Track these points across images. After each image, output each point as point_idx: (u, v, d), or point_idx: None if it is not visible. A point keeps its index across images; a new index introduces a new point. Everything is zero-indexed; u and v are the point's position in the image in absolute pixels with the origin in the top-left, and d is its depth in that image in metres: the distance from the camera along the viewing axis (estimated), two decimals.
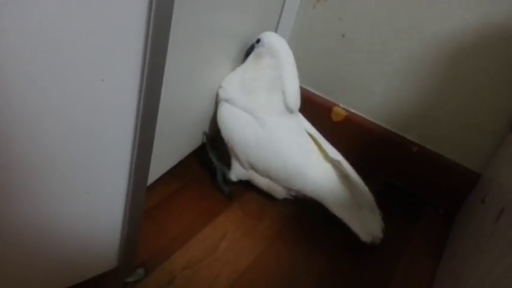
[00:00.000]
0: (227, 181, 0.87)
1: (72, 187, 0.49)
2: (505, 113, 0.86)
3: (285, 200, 0.86)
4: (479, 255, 0.63)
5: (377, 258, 0.82)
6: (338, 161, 0.81)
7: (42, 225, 0.49)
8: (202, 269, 0.71)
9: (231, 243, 0.77)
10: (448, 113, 0.92)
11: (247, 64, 0.85)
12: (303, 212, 0.87)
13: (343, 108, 1.03)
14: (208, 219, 0.80)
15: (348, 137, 1.03)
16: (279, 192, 0.85)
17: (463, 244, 0.77)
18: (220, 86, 0.85)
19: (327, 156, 0.82)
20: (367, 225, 0.81)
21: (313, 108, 1.01)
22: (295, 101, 0.82)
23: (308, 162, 0.81)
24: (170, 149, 0.82)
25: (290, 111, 0.82)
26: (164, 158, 0.82)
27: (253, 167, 0.83)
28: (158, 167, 0.81)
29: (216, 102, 0.86)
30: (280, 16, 0.99)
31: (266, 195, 0.86)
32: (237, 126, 0.82)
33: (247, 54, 0.87)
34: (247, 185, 0.87)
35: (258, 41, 0.83)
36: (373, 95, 0.98)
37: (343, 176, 0.81)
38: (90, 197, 0.52)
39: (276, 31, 1.01)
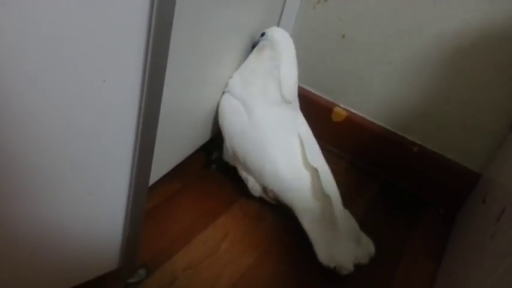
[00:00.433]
0: (216, 161, 0.90)
1: (74, 188, 0.49)
2: (506, 113, 0.86)
3: None
4: (480, 255, 0.63)
5: (377, 258, 0.82)
6: (315, 168, 0.77)
7: (43, 226, 0.49)
8: (204, 270, 0.71)
9: (232, 243, 0.77)
10: (449, 113, 0.92)
11: (251, 57, 0.86)
12: None
13: (344, 109, 1.03)
14: (210, 220, 0.80)
15: (349, 138, 1.03)
16: (255, 189, 0.83)
17: (464, 244, 0.77)
18: (230, 77, 0.87)
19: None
20: (336, 250, 0.74)
21: (314, 109, 1.01)
22: (290, 90, 0.82)
23: (287, 162, 0.78)
24: (171, 149, 0.82)
25: (286, 101, 0.81)
26: (165, 158, 0.82)
27: (236, 156, 0.83)
28: (159, 168, 0.81)
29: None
30: (280, 16, 0.99)
31: (265, 195, 0.86)
32: (228, 114, 0.83)
33: (253, 47, 0.88)
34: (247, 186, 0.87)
35: (263, 34, 0.84)
36: (374, 95, 0.99)
37: (321, 189, 0.76)
38: (92, 198, 0.52)
39: None
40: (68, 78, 0.41)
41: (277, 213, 0.85)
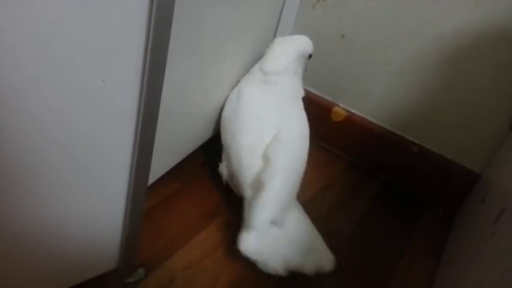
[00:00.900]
0: None
1: (72, 188, 0.49)
2: (505, 113, 0.86)
3: None
4: (479, 255, 0.63)
5: (377, 258, 0.82)
6: (269, 158, 0.72)
7: (42, 226, 0.49)
8: (203, 269, 0.71)
9: (231, 243, 0.77)
10: (448, 113, 0.92)
11: None
12: None
13: (343, 108, 1.03)
14: (209, 220, 0.80)
15: (348, 137, 1.03)
16: (222, 172, 0.81)
17: (463, 244, 0.77)
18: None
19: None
20: (263, 245, 0.69)
21: (313, 109, 1.01)
22: (268, 61, 0.83)
23: (250, 150, 0.75)
24: (171, 149, 0.82)
25: (264, 73, 0.82)
26: (165, 158, 0.81)
27: (224, 146, 0.81)
28: (158, 167, 0.81)
29: None
30: (280, 16, 0.99)
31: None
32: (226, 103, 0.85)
33: None
34: None
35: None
36: (373, 95, 0.99)
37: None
38: (91, 198, 0.52)
39: (276, 31, 1.01)
40: (67, 77, 0.41)
41: None
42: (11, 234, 0.47)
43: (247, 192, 0.73)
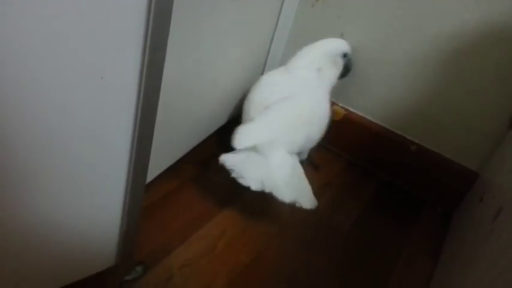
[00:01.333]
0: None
1: (71, 185, 0.49)
2: (504, 112, 0.86)
3: None
4: (477, 254, 0.64)
5: (375, 257, 0.83)
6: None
7: (40, 223, 0.49)
8: (201, 267, 0.71)
9: (230, 241, 0.77)
10: (447, 112, 0.92)
11: None
12: (301, 210, 0.87)
13: (342, 107, 1.03)
14: (207, 217, 0.80)
15: (347, 136, 1.03)
16: None
17: (461, 243, 0.78)
18: None
19: None
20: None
21: None
22: (292, 60, 0.90)
23: (261, 105, 0.82)
24: (170, 146, 0.82)
25: (285, 68, 0.90)
26: (163, 156, 0.82)
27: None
28: (157, 165, 0.81)
29: None
30: (279, 15, 0.99)
31: (265, 194, 0.86)
32: None
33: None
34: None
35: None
36: (372, 94, 0.99)
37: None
38: (89, 195, 0.52)
39: (275, 30, 1.01)
40: (63, 75, 0.41)
41: (275, 211, 0.85)
42: (8, 231, 0.47)
43: None
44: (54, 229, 0.51)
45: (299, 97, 0.83)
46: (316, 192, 0.79)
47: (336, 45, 0.91)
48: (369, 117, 1.01)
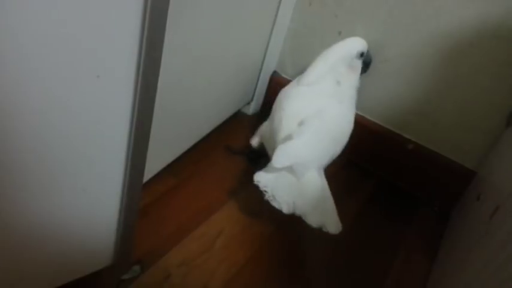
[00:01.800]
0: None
1: (68, 184, 0.49)
2: (501, 111, 0.86)
3: None
4: (473, 252, 0.64)
5: (372, 255, 0.83)
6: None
7: (37, 222, 0.49)
8: (198, 266, 0.71)
9: (227, 240, 0.77)
10: (444, 111, 0.92)
11: None
12: None
13: None
14: (204, 217, 0.80)
15: None
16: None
17: (458, 241, 0.78)
18: None
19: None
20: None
21: None
22: (304, 75, 0.88)
23: (294, 117, 0.82)
24: (167, 145, 0.82)
25: (299, 84, 0.88)
26: (161, 154, 0.81)
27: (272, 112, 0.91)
28: (155, 164, 0.81)
29: None
30: (277, 13, 0.99)
31: (262, 193, 0.86)
32: None
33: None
34: (244, 183, 0.87)
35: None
36: (370, 92, 0.99)
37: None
38: (86, 194, 0.52)
39: (272, 28, 1.01)
40: (60, 74, 0.41)
41: (273, 210, 0.85)
42: (6, 230, 0.47)
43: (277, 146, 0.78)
44: (51, 228, 0.51)
45: (329, 115, 0.82)
46: None
47: (350, 48, 0.88)
48: (366, 116, 1.01)
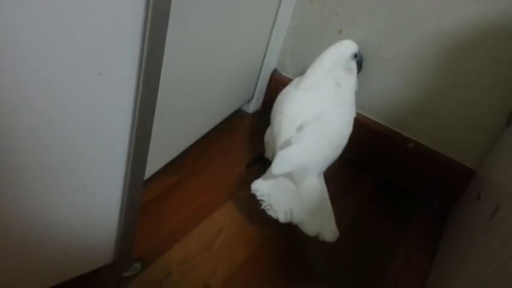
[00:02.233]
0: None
1: (69, 182, 0.49)
2: (501, 110, 0.86)
3: None
4: (473, 251, 0.64)
5: (372, 254, 0.83)
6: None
7: (38, 220, 0.49)
8: (199, 264, 0.71)
9: (227, 238, 0.77)
10: (444, 110, 0.92)
11: None
12: None
13: None
14: (205, 215, 0.80)
15: None
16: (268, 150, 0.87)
17: (458, 240, 0.78)
18: None
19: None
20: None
21: None
22: (302, 81, 0.87)
23: (294, 121, 0.81)
24: (168, 143, 0.82)
25: (297, 89, 0.87)
26: (162, 152, 0.81)
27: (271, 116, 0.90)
28: (156, 161, 0.81)
29: None
30: (277, 11, 0.99)
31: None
32: None
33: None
34: (244, 181, 0.87)
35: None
36: (370, 91, 0.99)
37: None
38: (87, 192, 0.52)
39: (273, 26, 1.01)
40: (62, 71, 0.41)
41: None
42: (6, 228, 0.47)
43: (277, 152, 0.78)
44: (51, 226, 0.51)
45: (328, 119, 0.81)
46: None
47: (343, 51, 0.89)
48: (366, 115, 1.01)
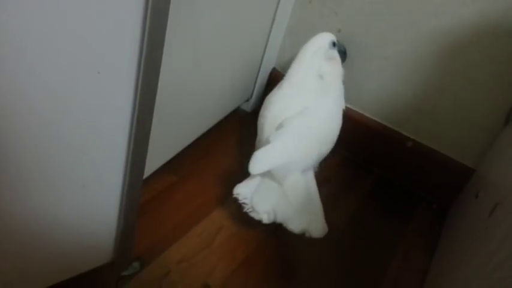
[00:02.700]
0: None
1: (68, 180, 0.49)
2: (500, 108, 0.86)
3: None
4: (472, 250, 0.64)
5: (371, 253, 0.83)
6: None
7: (37, 218, 0.49)
8: (198, 263, 0.71)
9: (226, 237, 0.77)
10: (443, 109, 0.92)
11: None
12: None
13: None
14: (204, 213, 0.80)
15: (343, 132, 1.03)
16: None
17: (456, 239, 0.78)
18: None
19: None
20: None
21: None
22: (290, 75, 0.86)
23: (275, 122, 0.79)
24: (167, 142, 0.82)
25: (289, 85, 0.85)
26: (161, 151, 0.81)
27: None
28: (155, 160, 0.81)
29: None
30: (276, 11, 0.99)
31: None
32: None
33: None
34: (242, 180, 0.87)
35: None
36: (369, 90, 0.99)
37: None
38: (86, 190, 0.52)
39: (272, 26, 1.01)
40: (61, 70, 0.41)
41: None
42: (5, 227, 0.47)
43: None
44: (50, 225, 0.51)
45: (311, 113, 0.79)
46: None
47: (320, 42, 0.87)
48: (365, 113, 1.01)
